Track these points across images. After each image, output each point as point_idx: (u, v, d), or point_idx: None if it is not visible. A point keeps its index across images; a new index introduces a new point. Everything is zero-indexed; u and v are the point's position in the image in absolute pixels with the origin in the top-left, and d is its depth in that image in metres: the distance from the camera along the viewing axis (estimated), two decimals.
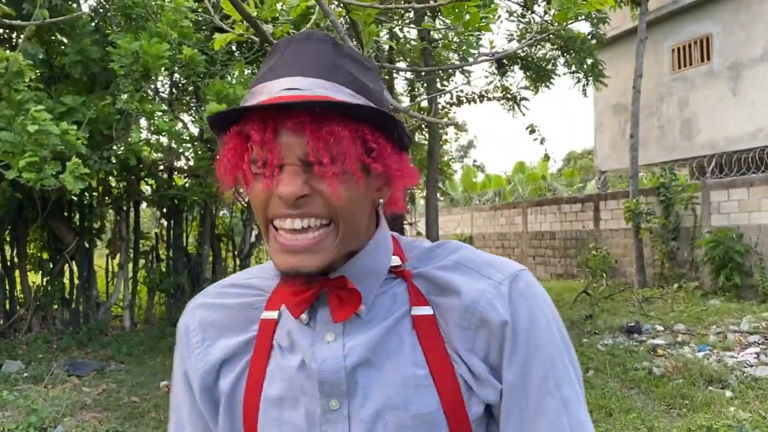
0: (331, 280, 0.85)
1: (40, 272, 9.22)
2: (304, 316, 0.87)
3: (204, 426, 0.95)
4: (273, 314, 0.91)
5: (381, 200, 0.89)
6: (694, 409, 5.22)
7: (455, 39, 2.16)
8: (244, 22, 2.29)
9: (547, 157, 15.62)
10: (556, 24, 2.36)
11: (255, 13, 2.38)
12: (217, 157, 0.87)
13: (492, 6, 2.10)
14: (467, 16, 2.07)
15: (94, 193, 9.56)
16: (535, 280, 0.89)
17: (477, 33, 2.19)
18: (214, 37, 2.86)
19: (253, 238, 11.22)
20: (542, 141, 14.09)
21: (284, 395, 0.86)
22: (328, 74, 0.80)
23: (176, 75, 7.55)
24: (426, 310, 0.86)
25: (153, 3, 5.38)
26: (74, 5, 7.38)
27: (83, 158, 4.69)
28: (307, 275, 0.81)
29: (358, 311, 0.85)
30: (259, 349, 0.89)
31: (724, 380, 5.95)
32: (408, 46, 12.51)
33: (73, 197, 8.66)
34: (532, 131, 13.77)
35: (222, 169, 0.85)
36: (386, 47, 12.16)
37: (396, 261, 0.90)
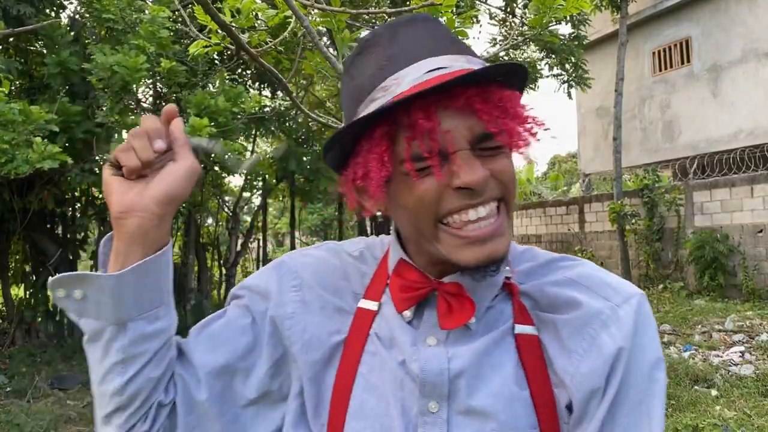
0: (445, 284, 0.81)
1: (23, 285, 9.10)
2: (408, 313, 0.84)
3: (246, 344, 0.88)
4: (372, 305, 0.87)
5: None
6: (680, 409, 5.24)
7: None
8: (220, 31, 2.28)
9: (529, 161, 15.70)
10: (535, 28, 2.38)
11: (231, 22, 2.37)
12: (348, 172, 0.82)
13: (467, 12, 2.11)
14: (442, 21, 2.08)
15: (77, 205, 9.48)
16: (650, 307, 0.84)
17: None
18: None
19: (238, 247, 11.17)
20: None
21: (384, 386, 0.83)
22: (456, 49, 0.78)
23: (159, 85, 7.52)
24: (530, 330, 0.83)
25: (132, 15, 5.35)
26: (51, 14, 7.34)
27: (64, 169, 4.65)
28: (498, 263, 0.77)
29: (468, 323, 0.82)
30: (355, 337, 0.86)
31: (710, 379, 6.00)
32: None
33: (55, 209, 8.58)
34: None
35: (365, 177, 0.78)
36: None
37: (507, 272, 0.86)
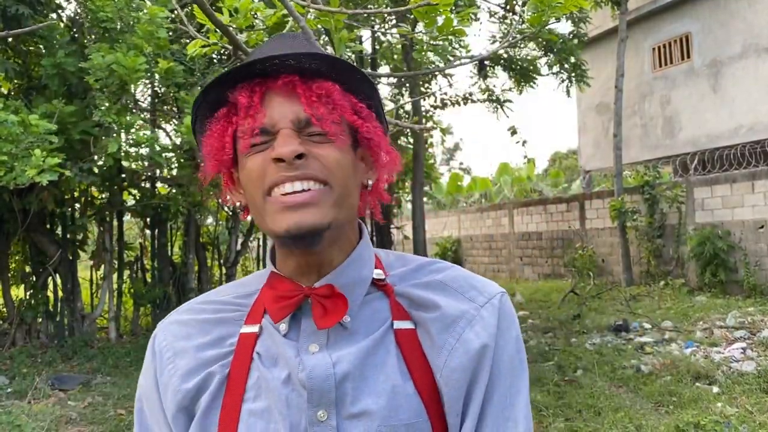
0: (316, 289, 0.84)
1: (23, 285, 9.10)
2: (284, 326, 0.86)
3: None
4: (253, 328, 0.89)
5: (370, 181, 0.91)
6: (681, 406, 5.24)
7: (430, 43, 2.15)
8: (218, 30, 2.27)
9: (527, 159, 15.75)
10: (533, 26, 2.36)
11: (229, 21, 2.36)
12: (201, 151, 0.89)
13: (465, 11, 2.10)
14: (441, 20, 2.06)
15: (77, 205, 9.47)
16: (511, 304, 0.92)
17: (452, 37, 2.18)
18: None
19: (238, 246, 11.15)
20: (524, 143, 14.18)
21: (270, 408, 0.83)
22: (307, 47, 0.86)
23: (156, 85, 7.50)
24: (407, 324, 0.87)
25: (129, 15, 5.33)
26: (52, 15, 7.32)
27: (62, 167, 4.63)
28: (312, 233, 0.81)
29: (342, 321, 0.85)
30: (239, 364, 0.87)
31: (711, 376, 5.99)
32: (391, 50, 12.52)
33: (54, 209, 8.58)
34: (514, 133, 13.84)
35: (208, 156, 0.87)
36: (368, 51, 12.17)
37: (379, 274, 0.90)
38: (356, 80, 0.85)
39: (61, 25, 7.39)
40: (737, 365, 6.32)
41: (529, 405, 0.90)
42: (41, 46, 7.42)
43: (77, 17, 7.84)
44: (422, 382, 0.84)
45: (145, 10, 5.38)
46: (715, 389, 5.63)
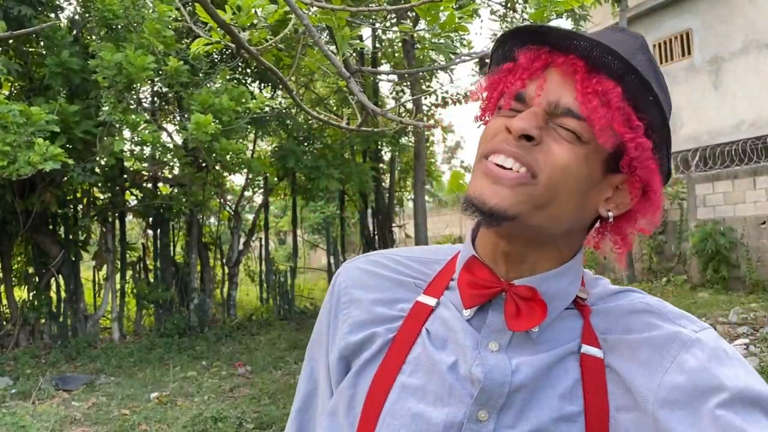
0: (517, 287, 0.80)
1: (26, 286, 9.11)
2: (468, 312, 0.83)
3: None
4: (430, 300, 0.86)
5: (610, 213, 0.81)
6: None
7: (432, 41, 2.15)
8: (221, 29, 2.27)
9: None
10: (535, 23, 2.36)
11: (231, 20, 2.36)
12: (479, 83, 0.87)
13: (468, 6, 2.10)
14: (443, 17, 2.07)
15: (79, 206, 9.48)
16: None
17: (454, 34, 2.18)
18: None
19: (241, 246, 11.17)
20: None
21: (427, 388, 0.80)
22: (629, 54, 0.76)
23: (158, 85, 7.51)
24: (596, 352, 0.80)
25: (134, 13, 5.34)
26: (51, 15, 7.33)
27: (65, 170, 4.64)
28: (490, 214, 0.75)
29: (531, 329, 0.80)
30: (406, 332, 0.85)
31: None
32: (391, 48, 12.53)
33: (57, 210, 8.59)
34: None
35: (477, 95, 0.85)
36: (369, 49, 12.18)
37: (583, 294, 0.85)
38: (647, 100, 0.76)
39: (62, 25, 7.39)
40: None
41: None
42: (42, 47, 7.44)
43: (78, 17, 7.85)
44: (594, 417, 0.77)
45: (152, 9, 5.39)
46: None
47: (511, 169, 0.75)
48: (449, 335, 0.83)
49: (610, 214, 0.80)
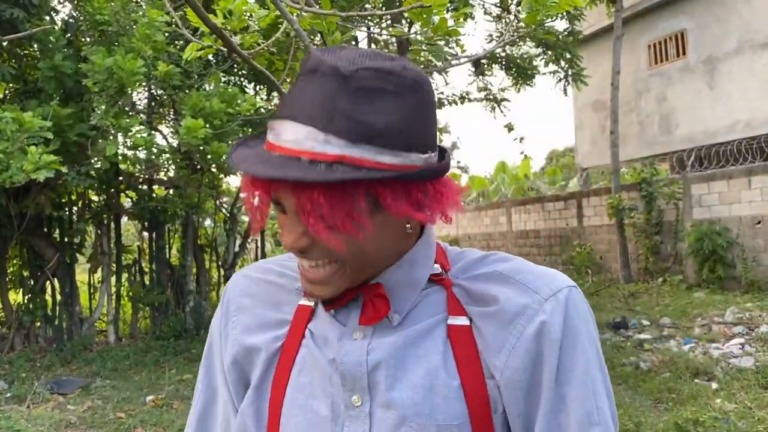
0: (367, 287, 0.85)
1: (21, 290, 9.08)
2: (332, 311, 0.88)
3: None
4: (310, 302, 0.92)
5: (408, 226, 0.84)
6: (680, 403, 5.24)
7: (425, 44, 2.15)
8: (213, 33, 2.27)
9: (525, 156, 15.76)
10: (529, 25, 2.36)
11: (223, 24, 2.35)
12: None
13: (460, 10, 2.09)
14: (436, 20, 2.06)
15: (74, 208, 9.45)
16: (582, 297, 0.86)
17: (447, 37, 2.18)
18: (186, 49, 2.83)
19: (236, 248, 11.14)
20: (521, 140, 14.20)
21: (314, 383, 0.86)
22: (326, 121, 0.74)
23: (153, 87, 7.49)
24: (463, 320, 0.85)
25: (126, 18, 5.32)
26: (46, 18, 7.30)
27: (59, 174, 4.62)
28: (326, 302, 0.86)
29: (390, 317, 0.85)
30: (293, 335, 0.90)
31: (710, 372, 6.00)
32: (387, 50, 12.52)
33: (52, 213, 8.56)
34: (511, 129, 13.86)
35: (247, 204, 0.86)
36: None
37: (437, 269, 0.89)
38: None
39: (56, 28, 7.37)
40: (736, 361, 6.33)
41: (615, 414, 0.83)
42: (36, 50, 7.41)
43: (72, 20, 7.83)
44: (471, 383, 0.81)
45: (143, 13, 5.37)
46: (714, 385, 5.64)
47: (312, 267, 0.83)
48: (326, 333, 0.88)
49: (409, 227, 0.84)
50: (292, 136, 0.75)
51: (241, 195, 0.86)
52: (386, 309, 0.84)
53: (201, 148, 5.83)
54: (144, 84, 5.98)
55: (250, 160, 0.79)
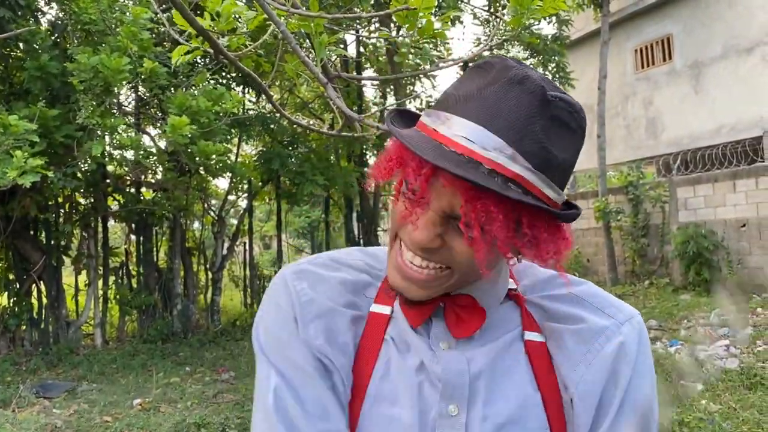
0: (454, 298, 0.85)
1: (6, 293, 9.01)
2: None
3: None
4: (385, 309, 0.89)
5: (512, 262, 0.85)
6: (666, 404, 5.28)
7: (412, 46, 2.16)
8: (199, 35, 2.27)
9: None
10: (514, 28, 2.38)
11: (210, 26, 2.35)
12: (384, 150, 0.85)
13: (446, 13, 2.11)
14: (423, 22, 2.08)
15: (61, 211, 9.39)
16: (645, 328, 0.90)
17: (434, 40, 2.19)
18: (172, 51, 2.83)
19: (224, 251, 11.11)
20: None
21: (399, 392, 0.84)
22: (517, 138, 0.73)
23: (140, 88, 7.46)
24: (538, 337, 0.87)
25: (112, 17, 5.30)
26: (31, 20, 7.26)
27: (46, 177, 4.58)
28: (413, 301, 0.82)
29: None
30: (369, 341, 0.88)
31: (696, 374, 6.05)
32: (375, 53, 12.55)
33: (38, 215, 8.50)
34: None
35: (379, 169, 0.83)
36: (353, 55, 12.18)
37: (511, 284, 0.90)
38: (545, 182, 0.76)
39: (42, 29, 7.32)
40: (721, 363, 6.39)
41: None
42: (22, 51, 7.36)
43: (58, 21, 7.79)
44: (549, 396, 0.84)
45: (128, 12, 5.35)
46: (700, 386, 5.69)
47: (420, 266, 0.79)
48: (407, 339, 0.87)
49: (512, 262, 0.85)
50: (477, 139, 0.73)
51: (387, 147, 0.83)
52: (480, 321, 0.84)
53: (188, 148, 5.80)
54: (130, 83, 5.95)
55: (418, 142, 0.75)
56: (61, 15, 7.63)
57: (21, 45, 7.28)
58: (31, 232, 9.19)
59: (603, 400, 0.83)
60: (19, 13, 6.98)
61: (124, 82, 5.21)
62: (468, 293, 0.85)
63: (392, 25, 8.58)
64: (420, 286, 0.80)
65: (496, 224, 0.73)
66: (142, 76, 5.42)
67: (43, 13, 8.17)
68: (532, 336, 0.87)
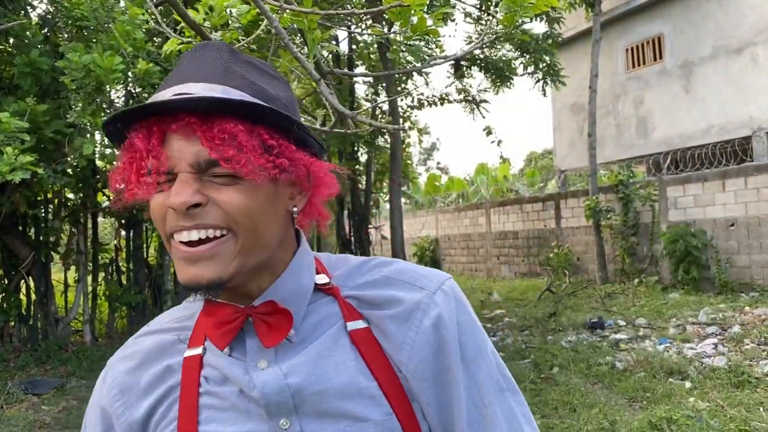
0: (257, 307, 0.82)
1: None
2: (226, 349, 0.84)
3: None
4: (197, 350, 0.87)
5: (295, 208, 0.86)
6: (655, 401, 5.32)
7: (404, 44, 2.16)
8: (191, 29, 2.26)
9: (503, 159, 15.88)
10: (506, 26, 2.39)
11: (203, 20, 2.35)
12: (112, 171, 0.83)
13: (439, 10, 2.11)
14: (415, 19, 2.08)
15: (50, 207, 9.33)
16: (457, 286, 0.91)
17: (426, 37, 2.20)
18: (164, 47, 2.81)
19: None
20: (499, 143, 14.31)
21: (225, 416, 0.83)
22: (221, 78, 0.78)
23: (131, 86, 7.41)
24: (361, 324, 0.86)
25: (103, 15, 5.26)
26: (21, 13, 7.19)
27: (35, 172, 4.55)
28: (210, 288, 0.77)
29: (288, 335, 0.83)
30: (187, 387, 0.85)
31: (684, 371, 6.09)
32: (368, 50, 12.55)
33: (27, 211, 8.44)
34: (489, 133, 13.96)
35: (116, 185, 0.81)
36: (344, 52, 12.17)
37: (323, 279, 0.89)
38: (265, 114, 0.78)
39: (32, 23, 7.27)
40: (709, 361, 6.43)
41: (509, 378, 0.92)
42: (12, 46, 7.30)
43: (49, 16, 7.73)
44: (386, 381, 0.83)
45: (123, 11, 5.31)
46: (688, 384, 5.73)
47: (199, 240, 0.76)
48: (224, 372, 0.84)
49: (296, 209, 0.86)
50: (187, 90, 0.76)
51: (117, 163, 0.81)
52: (289, 321, 0.82)
53: None
54: (122, 82, 5.91)
55: (138, 110, 0.76)
56: (51, 9, 7.57)
57: (11, 40, 7.22)
58: (20, 228, 9.13)
59: (440, 372, 0.84)
60: (9, 7, 6.93)
61: (117, 81, 5.16)
62: (268, 298, 0.83)
63: (384, 21, 8.58)
64: (208, 263, 0.76)
65: (240, 136, 0.75)
66: (136, 76, 5.38)
67: (33, 8, 8.11)
68: (355, 325, 0.85)
